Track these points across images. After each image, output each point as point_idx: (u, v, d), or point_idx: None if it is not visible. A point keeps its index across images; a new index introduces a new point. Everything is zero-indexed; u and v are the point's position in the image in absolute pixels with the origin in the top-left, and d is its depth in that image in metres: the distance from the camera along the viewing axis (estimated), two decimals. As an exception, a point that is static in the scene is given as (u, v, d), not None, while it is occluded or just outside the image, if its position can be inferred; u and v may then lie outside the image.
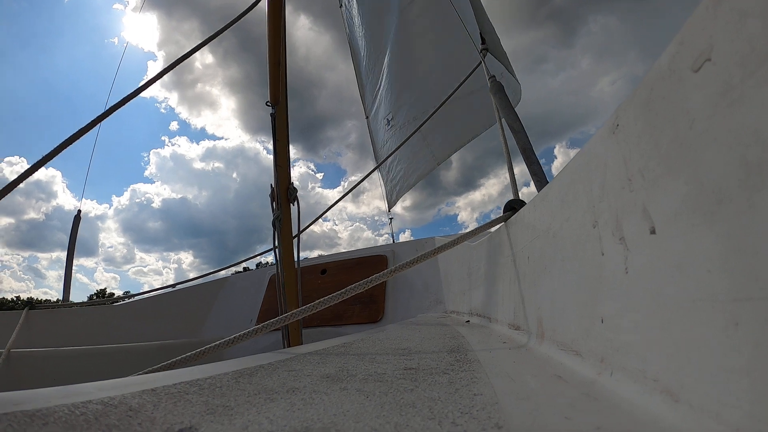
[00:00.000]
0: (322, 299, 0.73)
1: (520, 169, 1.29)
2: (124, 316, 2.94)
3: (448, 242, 0.84)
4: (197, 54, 1.78)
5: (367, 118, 4.60)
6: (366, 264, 2.75)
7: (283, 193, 1.92)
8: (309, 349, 0.66)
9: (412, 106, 3.63)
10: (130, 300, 3.42)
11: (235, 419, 0.27)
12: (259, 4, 1.85)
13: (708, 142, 0.24)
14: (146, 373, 0.53)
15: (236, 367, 0.47)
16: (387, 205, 4.44)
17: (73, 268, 3.13)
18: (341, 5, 4.87)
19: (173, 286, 3.30)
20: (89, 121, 1.50)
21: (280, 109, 1.93)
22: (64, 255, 3.14)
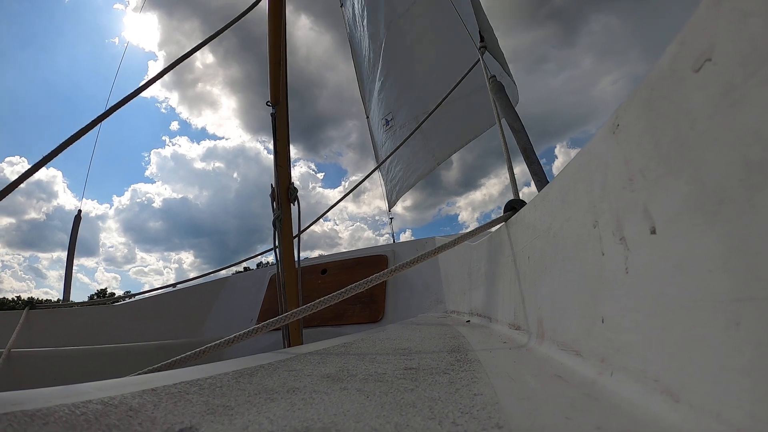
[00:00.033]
0: (322, 299, 0.73)
1: (521, 168, 1.29)
2: (125, 316, 2.94)
3: (449, 242, 0.84)
4: (198, 54, 1.78)
5: (367, 117, 4.61)
6: (366, 264, 2.75)
7: (284, 192, 1.92)
8: (309, 349, 0.66)
9: (413, 106, 3.64)
10: (131, 300, 3.42)
11: (236, 419, 0.27)
12: (260, 3, 1.85)
13: (709, 142, 0.24)
14: (146, 372, 0.53)
15: (236, 367, 0.47)
16: (387, 205, 4.44)
17: (74, 268, 3.14)
18: (342, 5, 4.87)
19: (174, 285, 3.31)
20: (90, 121, 1.50)
21: (281, 109, 1.93)
22: (64, 255, 3.15)
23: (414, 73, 3.64)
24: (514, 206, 0.86)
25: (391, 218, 4.47)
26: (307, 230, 2.78)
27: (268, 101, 1.91)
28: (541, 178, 1.25)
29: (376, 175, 4.50)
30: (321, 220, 3.14)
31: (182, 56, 1.72)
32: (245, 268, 4.87)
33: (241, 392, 0.35)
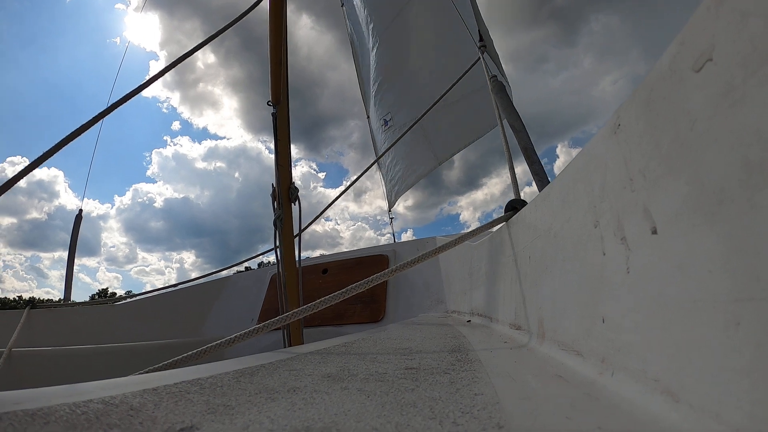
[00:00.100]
0: (323, 299, 0.73)
1: (522, 168, 1.30)
2: (126, 316, 2.95)
3: (450, 242, 0.84)
4: (199, 54, 1.78)
5: (368, 117, 4.61)
6: (367, 263, 2.75)
7: (285, 192, 1.92)
8: (310, 349, 0.66)
9: (412, 106, 3.63)
10: (132, 299, 3.43)
11: (236, 419, 0.27)
12: (261, 3, 1.86)
13: (709, 143, 0.24)
14: (147, 372, 0.53)
15: (237, 367, 0.47)
16: (387, 205, 4.44)
17: (76, 268, 3.14)
18: (342, 4, 4.87)
19: (175, 285, 3.31)
20: (91, 117, 1.50)
21: (282, 109, 1.93)
22: (66, 255, 3.16)
23: (413, 74, 3.64)
24: (515, 206, 0.86)
25: (392, 218, 4.48)
26: (309, 230, 2.78)
27: (269, 101, 1.91)
28: (542, 177, 1.25)
29: (378, 174, 4.50)
30: (323, 220, 3.14)
31: (184, 55, 1.72)
32: (246, 268, 4.87)
33: (242, 392, 0.35)
